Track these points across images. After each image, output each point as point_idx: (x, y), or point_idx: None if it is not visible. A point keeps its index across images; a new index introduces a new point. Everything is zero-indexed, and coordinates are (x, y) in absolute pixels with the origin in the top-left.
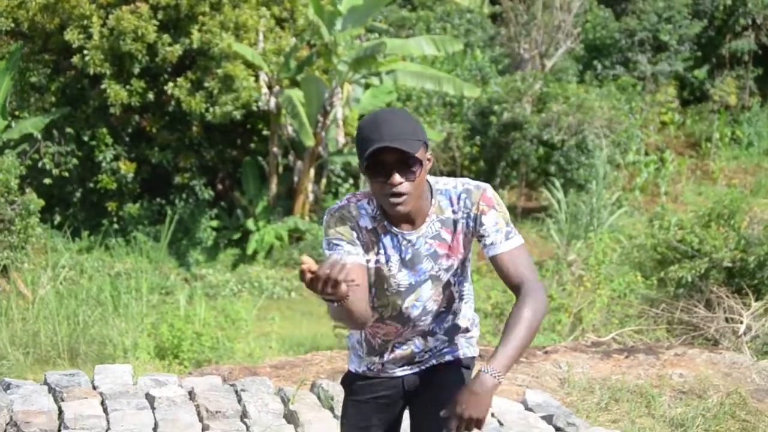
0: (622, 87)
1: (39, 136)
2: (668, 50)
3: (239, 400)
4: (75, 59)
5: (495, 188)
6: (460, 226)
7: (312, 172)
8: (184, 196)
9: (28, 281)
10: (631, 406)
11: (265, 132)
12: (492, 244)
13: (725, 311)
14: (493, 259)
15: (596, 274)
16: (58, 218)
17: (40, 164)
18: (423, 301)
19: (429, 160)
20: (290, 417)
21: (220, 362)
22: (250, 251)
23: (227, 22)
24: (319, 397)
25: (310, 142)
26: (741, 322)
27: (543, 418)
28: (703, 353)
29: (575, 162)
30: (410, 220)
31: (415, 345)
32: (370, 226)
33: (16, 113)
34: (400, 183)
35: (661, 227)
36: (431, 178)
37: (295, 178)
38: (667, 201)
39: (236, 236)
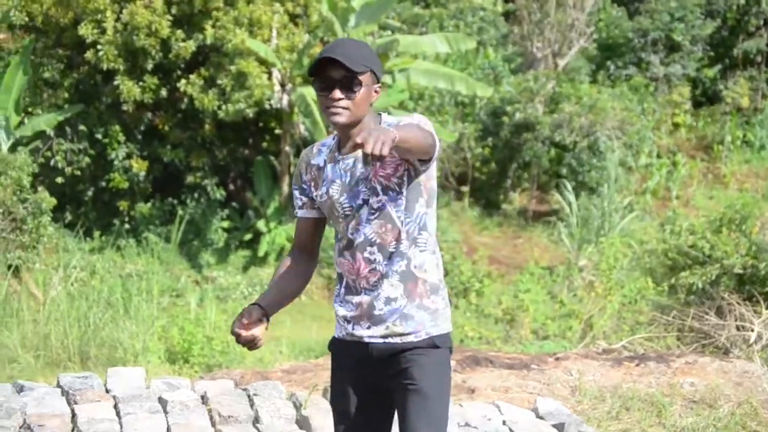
0: (635, 87)
1: (52, 133)
2: (681, 50)
3: (251, 405)
4: (88, 54)
5: (506, 191)
6: None
7: None
8: (195, 195)
9: (40, 282)
10: (642, 415)
11: (277, 131)
12: (399, 123)
13: (736, 319)
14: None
15: (607, 279)
16: (69, 217)
17: (52, 162)
18: (363, 227)
19: (377, 92)
20: (303, 422)
21: (230, 367)
22: (261, 253)
23: (241, 18)
24: None
25: None
26: (752, 330)
27: (554, 426)
28: (714, 362)
29: (587, 164)
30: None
31: (380, 289)
32: (321, 163)
33: (29, 109)
34: (340, 99)
35: (672, 232)
36: (389, 116)
37: None
38: (678, 205)
39: (247, 237)
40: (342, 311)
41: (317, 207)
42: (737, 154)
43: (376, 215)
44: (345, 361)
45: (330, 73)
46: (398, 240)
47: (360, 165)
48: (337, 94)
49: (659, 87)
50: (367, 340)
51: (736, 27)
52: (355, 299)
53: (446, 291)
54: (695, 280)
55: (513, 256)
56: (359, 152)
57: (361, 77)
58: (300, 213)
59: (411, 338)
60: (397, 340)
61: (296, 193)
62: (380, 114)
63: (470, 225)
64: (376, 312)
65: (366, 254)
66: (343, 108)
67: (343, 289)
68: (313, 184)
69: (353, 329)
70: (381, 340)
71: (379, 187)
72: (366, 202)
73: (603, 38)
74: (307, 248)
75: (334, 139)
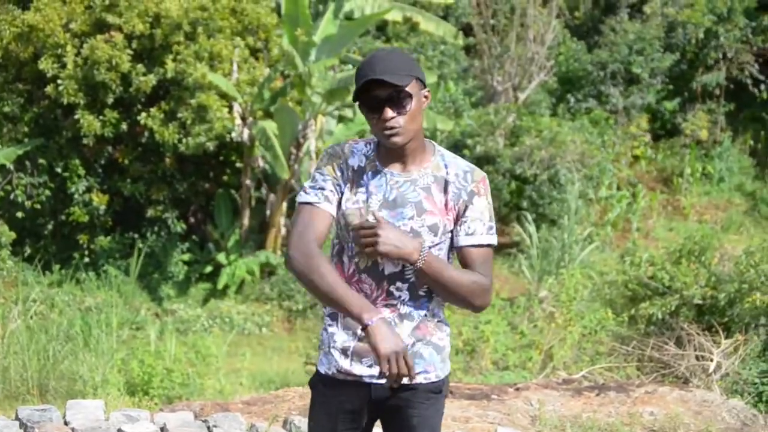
0: (595, 120)
1: (11, 167)
2: (640, 83)
3: None
4: (49, 89)
5: None
6: (451, 192)
7: (284, 205)
8: (156, 229)
9: None
10: None
11: (238, 164)
12: (473, 233)
13: (696, 349)
14: (466, 248)
15: (567, 310)
16: (28, 251)
17: (12, 196)
18: None
19: (426, 97)
20: None
21: (190, 399)
22: (221, 286)
23: (202, 52)
24: None
25: (284, 174)
26: (711, 360)
27: None
28: (673, 391)
29: (547, 197)
30: (403, 162)
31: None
32: (357, 166)
33: None
34: (392, 117)
35: (632, 263)
36: (436, 145)
37: (268, 212)
38: (638, 237)
39: (208, 270)
40: (342, 338)
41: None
42: (697, 187)
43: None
44: (335, 402)
45: (376, 93)
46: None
47: (409, 186)
48: (389, 113)
49: (618, 120)
50: (367, 380)
51: (694, 60)
52: (360, 330)
53: (449, 329)
54: (655, 310)
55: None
56: (413, 174)
57: (408, 88)
58: (324, 205)
59: (420, 379)
60: (405, 380)
61: (326, 183)
62: (434, 144)
63: None
64: None
65: (392, 288)
66: (399, 126)
67: (342, 317)
68: (348, 185)
69: (351, 366)
70: (383, 380)
71: (441, 228)
72: (414, 232)
73: (563, 72)
74: (322, 243)
75: (367, 145)
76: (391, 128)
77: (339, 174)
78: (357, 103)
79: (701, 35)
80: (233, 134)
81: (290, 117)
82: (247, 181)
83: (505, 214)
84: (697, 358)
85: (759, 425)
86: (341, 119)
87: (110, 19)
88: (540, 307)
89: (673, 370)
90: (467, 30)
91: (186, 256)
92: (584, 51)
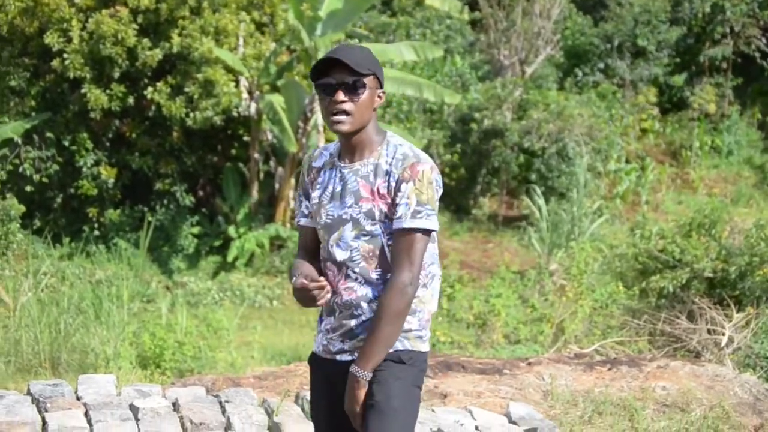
0: (602, 94)
1: (19, 141)
2: (646, 56)
3: (223, 412)
4: (55, 63)
5: (476, 196)
6: (385, 179)
7: (293, 179)
8: (165, 202)
9: (9, 288)
10: (614, 419)
11: (245, 138)
12: (399, 217)
13: (707, 322)
14: (394, 233)
15: (578, 284)
16: (38, 224)
17: (20, 169)
18: (346, 243)
19: (380, 97)
20: (274, 429)
21: (202, 372)
22: (230, 259)
23: (207, 27)
24: (303, 409)
25: (293, 147)
26: (723, 334)
27: (527, 431)
28: (685, 365)
29: (556, 170)
30: (353, 155)
31: (354, 309)
32: (319, 165)
33: None
34: (343, 101)
35: (642, 237)
36: (394, 135)
37: (276, 185)
38: (647, 210)
39: (217, 243)
40: (325, 322)
41: None
42: (705, 160)
43: (366, 238)
44: (319, 377)
45: (334, 76)
46: (383, 268)
47: (352, 176)
48: (341, 96)
49: (626, 93)
50: (338, 357)
51: (701, 34)
52: (337, 314)
53: (427, 318)
54: (666, 284)
55: (484, 261)
56: (356, 165)
57: (365, 79)
58: (302, 221)
59: None
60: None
61: (300, 200)
62: (386, 132)
63: (441, 230)
64: (347, 328)
65: (348, 271)
66: (346, 113)
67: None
68: (310, 186)
69: (328, 344)
70: (349, 357)
71: (377, 213)
72: (353, 219)
73: (569, 46)
74: (314, 252)
75: (337, 144)
76: (339, 112)
77: (303, 185)
78: (314, 84)
79: (707, 9)
80: (240, 108)
81: (297, 91)
82: (255, 155)
83: (514, 187)
84: (708, 332)
85: None
86: None
87: None
88: (551, 281)
89: (685, 344)
90: (473, 4)
91: (196, 230)
92: (590, 25)
